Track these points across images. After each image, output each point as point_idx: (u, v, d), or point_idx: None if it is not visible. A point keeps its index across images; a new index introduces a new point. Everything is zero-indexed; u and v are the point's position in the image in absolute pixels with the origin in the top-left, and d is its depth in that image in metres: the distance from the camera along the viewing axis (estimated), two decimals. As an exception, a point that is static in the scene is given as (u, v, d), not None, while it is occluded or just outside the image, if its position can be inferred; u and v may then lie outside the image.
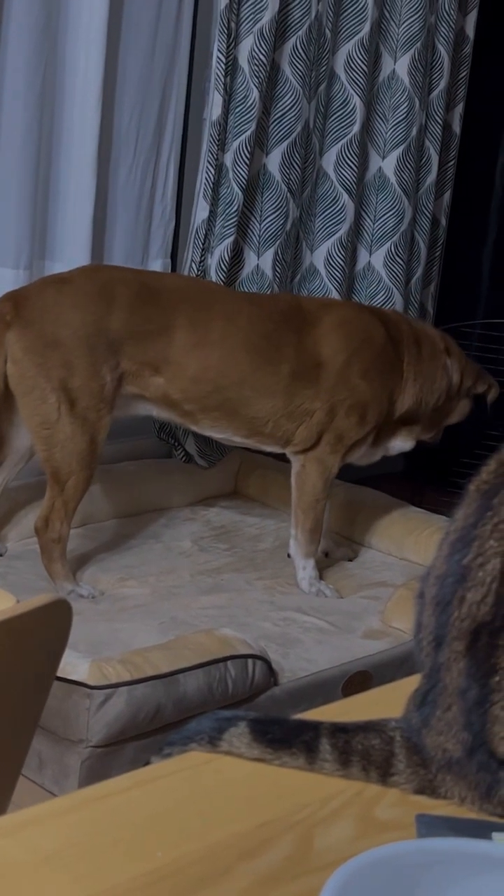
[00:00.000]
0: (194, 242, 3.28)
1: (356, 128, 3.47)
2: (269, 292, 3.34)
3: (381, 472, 3.59)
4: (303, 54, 3.30)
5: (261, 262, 3.37)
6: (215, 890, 0.81)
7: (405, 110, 3.56)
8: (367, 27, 3.42)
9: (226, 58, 3.16)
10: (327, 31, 3.37)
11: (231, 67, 3.17)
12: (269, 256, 3.37)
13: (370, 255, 3.65)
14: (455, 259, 4.11)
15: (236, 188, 3.24)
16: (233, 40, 3.16)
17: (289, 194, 3.36)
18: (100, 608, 2.74)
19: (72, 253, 3.18)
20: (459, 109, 3.81)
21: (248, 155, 3.23)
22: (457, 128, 3.82)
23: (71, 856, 0.84)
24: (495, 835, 0.88)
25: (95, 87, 3.11)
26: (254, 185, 3.32)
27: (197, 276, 3.27)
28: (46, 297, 2.79)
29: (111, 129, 3.26)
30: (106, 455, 3.00)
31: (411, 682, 0.99)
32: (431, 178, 3.70)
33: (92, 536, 3.16)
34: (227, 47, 3.15)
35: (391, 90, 3.56)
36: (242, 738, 0.96)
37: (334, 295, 3.52)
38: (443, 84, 3.65)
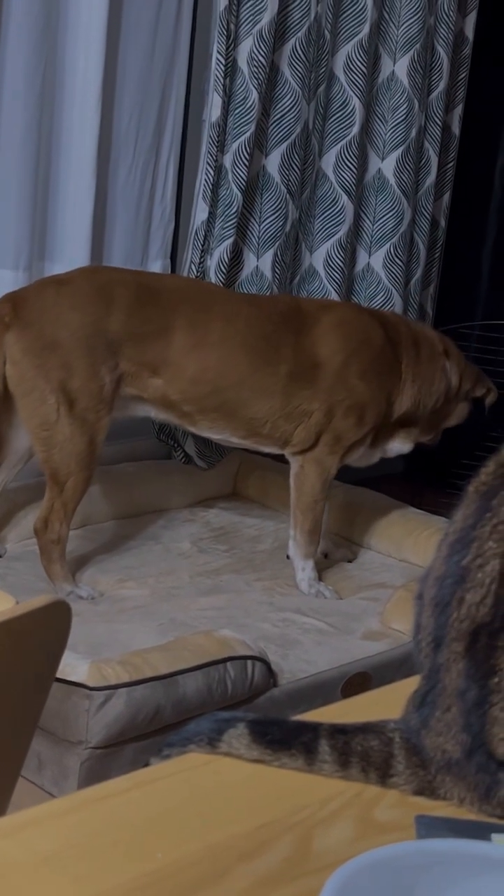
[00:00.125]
0: (194, 244, 3.28)
1: (355, 129, 3.47)
2: (268, 294, 3.34)
3: (380, 474, 3.59)
4: (302, 56, 3.30)
5: (260, 264, 3.37)
6: (215, 891, 0.81)
7: (404, 111, 3.55)
8: (366, 28, 3.42)
9: (225, 59, 3.16)
10: (326, 32, 3.37)
11: (230, 69, 3.17)
12: (268, 258, 3.37)
13: (369, 256, 3.65)
14: (454, 260, 4.10)
15: (235, 189, 3.24)
16: (232, 41, 3.16)
17: (288, 196, 3.36)
18: (99, 609, 2.74)
19: (71, 254, 3.18)
20: (459, 111, 3.80)
21: (247, 156, 3.23)
22: (456, 129, 3.82)
23: (70, 857, 0.84)
24: (494, 836, 0.88)
25: (95, 88, 3.12)
26: (253, 187, 3.32)
27: (196, 277, 3.27)
28: (45, 299, 2.79)
29: (111, 130, 3.26)
30: (105, 456, 3.00)
31: (410, 684, 0.99)
32: (431, 179, 3.70)
33: (91, 537, 3.16)
34: (227, 48, 3.15)
35: (390, 91, 3.56)
36: (242, 740, 0.97)
37: (334, 296, 3.52)
38: (442, 85, 3.65)
